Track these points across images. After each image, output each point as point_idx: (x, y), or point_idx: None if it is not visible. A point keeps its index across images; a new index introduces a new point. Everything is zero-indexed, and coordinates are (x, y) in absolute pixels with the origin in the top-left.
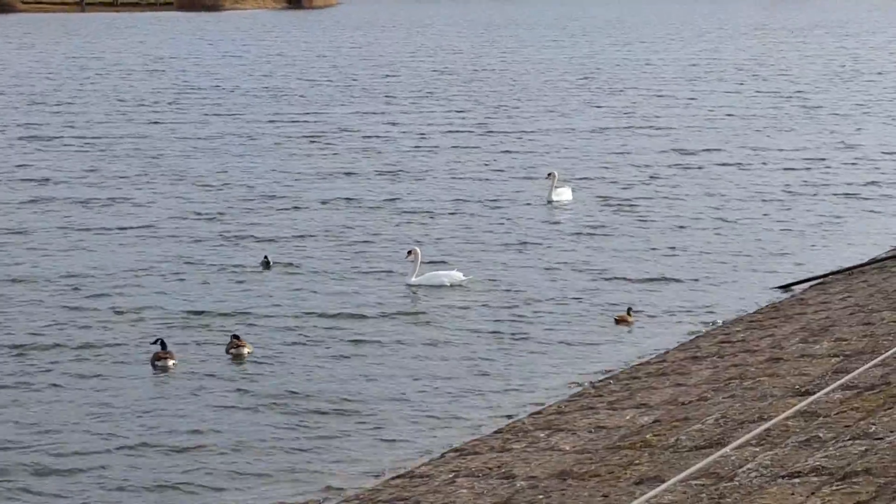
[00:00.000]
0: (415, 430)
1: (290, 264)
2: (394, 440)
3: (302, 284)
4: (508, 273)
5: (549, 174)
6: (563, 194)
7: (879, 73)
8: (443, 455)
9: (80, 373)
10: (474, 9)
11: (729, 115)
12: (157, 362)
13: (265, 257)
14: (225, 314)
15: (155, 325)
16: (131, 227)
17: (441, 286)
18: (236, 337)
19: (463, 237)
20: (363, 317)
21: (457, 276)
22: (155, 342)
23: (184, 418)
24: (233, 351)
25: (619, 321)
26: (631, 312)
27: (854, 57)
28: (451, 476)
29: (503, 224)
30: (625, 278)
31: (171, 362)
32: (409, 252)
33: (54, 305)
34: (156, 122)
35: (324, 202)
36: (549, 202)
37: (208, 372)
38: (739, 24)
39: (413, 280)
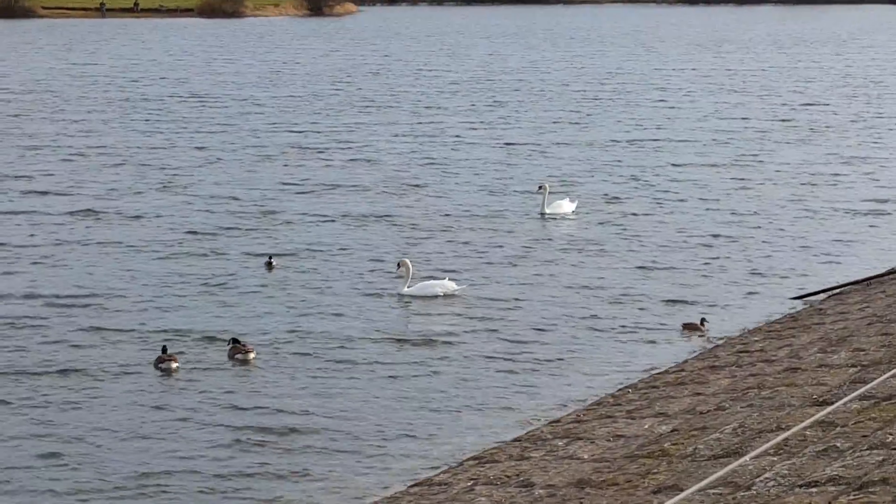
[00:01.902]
0: (433, 438)
1: (290, 268)
2: (413, 448)
3: (302, 294)
4: (505, 284)
5: (540, 187)
6: (561, 206)
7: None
8: (461, 463)
9: (84, 380)
10: (491, 17)
11: (744, 127)
12: (160, 365)
13: (269, 258)
14: (224, 323)
15: (154, 335)
16: (126, 239)
17: (434, 296)
18: (237, 341)
19: (455, 248)
20: (368, 326)
21: (450, 285)
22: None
23: (196, 426)
24: (239, 356)
25: (688, 328)
26: (704, 323)
27: (868, 69)
28: (469, 484)
29: (496, 236)
30: (637, 289)
31: (174, 365)
32: (399, 265)
33: (55, 316)
34: (156, 132)
35: (319, 214)
36: (543, 215)
37: (213, 378)
38: (755, 36)
39: (405, 290)
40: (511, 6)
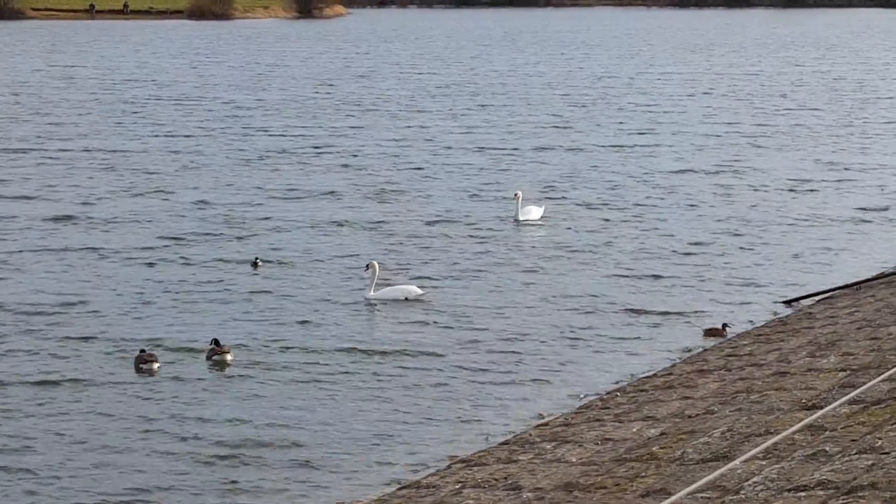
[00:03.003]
0: (421, 441)
1: (268, 274)
2: (400, 451)
3: (281, 299)
4: (485, 290)
5: (515, 194)
6: (531, 213)
7: (886, 91)
8: (449, 466)
9: (53, 389)
10: (480, 20)
11: (729, 132)
12: (142, 365)
13: (255, 258)
14: (201, 329)
15: (128, 341)
16: (102, 245)
17: (397, 300)
18: (217, 342)
19: (430, 254)
20: (349, 332)
21: (414, 290)
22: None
23: (172, 433)
24: (216, 358)
25: (710, 333)
26: (726, 328)
27: (856, 73)
28: (457, 487)
29: (472, 242)
30: (623, 294)
31: (156, 365)
32: (368, 266)
33: (26, 324)
34: (136, 136)
35: (295, 219)
36: (517, 221)
37: (193, 379)
38: (744, 40)
39: (371, 294)
40: (500, 9)
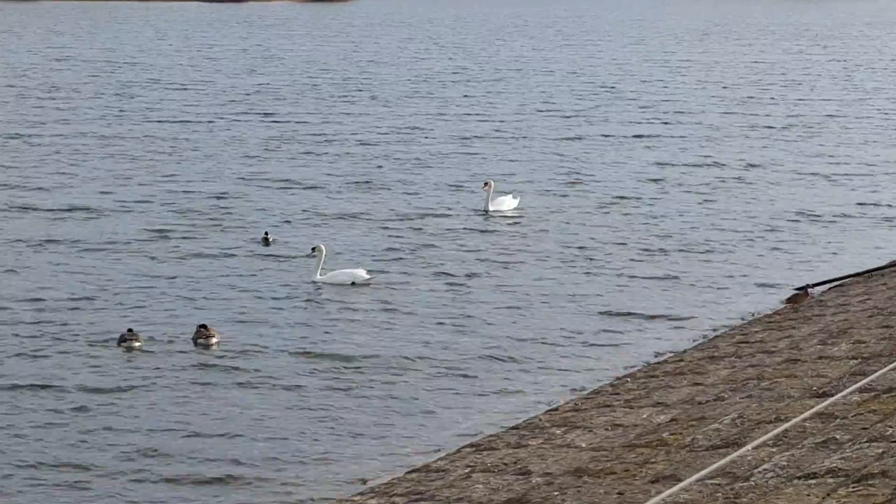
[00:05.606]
0: (431, 425)
1: (245, 264)
2: (410, 434)
3: (267, 287)
4: (494, 278)
5: (486, 183)
6: (504, 203)
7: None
8: (459, 450)
9: (50, 367)
10: (493, 6)
11: (735, 123)
12: (123, 343)
13: (265, 233)
14: (181, 317)
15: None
16: (81, 236)
17: (343, 284)
18: (204, 327)
19: (400, 244)
20: (350, 317)
21: (361, 274)
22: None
23: (169, 411)
24: (201, 341)
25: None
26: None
27: (868, 63)
28: (466, 471)
29: (440, 234)
30: (632, 280)
31: (136, 343)
32: (314, 248)
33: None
34: (122, 121)
35: (270, 209)
36: (486, 212)
37: (181, 363)
38: (748, 26)
39: (318, 277)
40: None
